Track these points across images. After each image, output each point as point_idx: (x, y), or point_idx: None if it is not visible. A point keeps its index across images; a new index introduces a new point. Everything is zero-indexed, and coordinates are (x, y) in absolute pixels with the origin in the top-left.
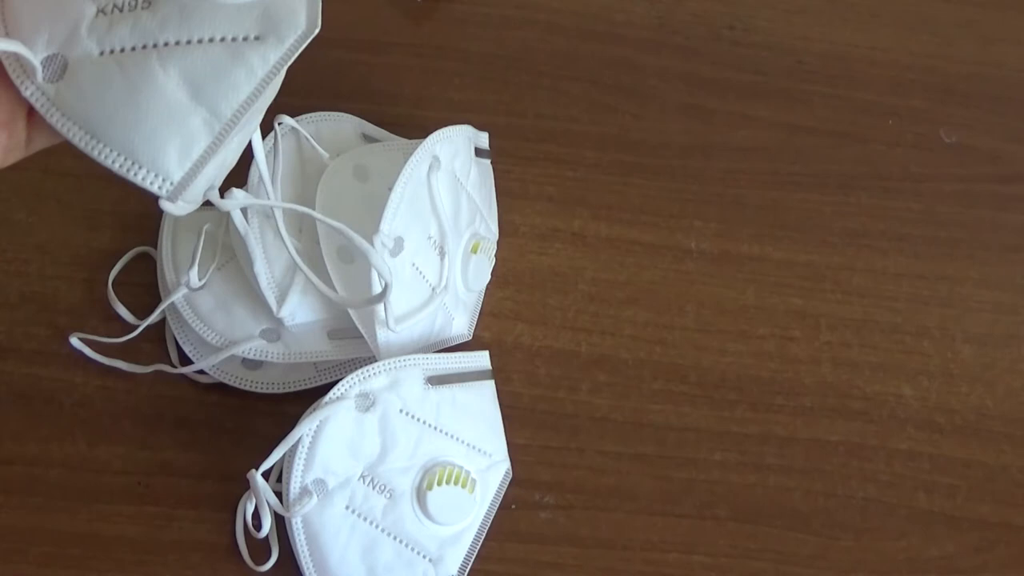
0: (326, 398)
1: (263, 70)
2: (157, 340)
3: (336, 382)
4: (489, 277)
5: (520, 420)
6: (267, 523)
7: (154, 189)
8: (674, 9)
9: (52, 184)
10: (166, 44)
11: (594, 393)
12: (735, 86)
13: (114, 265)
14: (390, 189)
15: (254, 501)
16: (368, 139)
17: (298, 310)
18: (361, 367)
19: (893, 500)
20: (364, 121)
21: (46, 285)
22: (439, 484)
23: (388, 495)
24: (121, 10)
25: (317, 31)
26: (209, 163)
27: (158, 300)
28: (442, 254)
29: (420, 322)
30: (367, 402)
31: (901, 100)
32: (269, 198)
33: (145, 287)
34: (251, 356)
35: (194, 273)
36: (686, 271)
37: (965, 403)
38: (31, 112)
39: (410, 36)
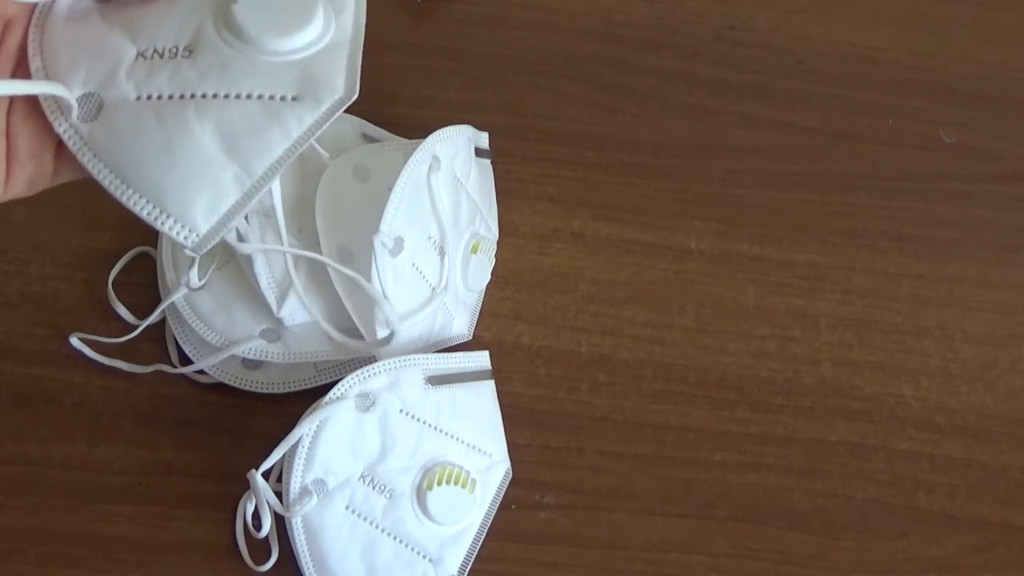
0: (326, 398)
1: (298, 131)
2: (157, 340)
3: (336, 382)
4: (489, 277)
5: (520, 420)
6: (267, 523)
7: (180, 239)
8: (674, 9)
9: None
10: (204, 96)
11: (594, 393)
12: (735, 86)
13: (114, 265)
14: (390, 189)
15: (254, 501)
16: (368, 139)
17: (298, 310)
18: (361, 367)
19: (893, 500)
20: (364, 121)
21: (46, 285)
22: (439, 484)
23: (388, 495)
24: (162, 56)
25: (355, 97)
26: (236, 216)
27: (158, 300)
28: (442, 254)
29: (420, 322)
30: (367, 402)
31: (901, 100)
32: (281, 233)
33: (145, 287)
34: (251, 356)
35: (194, 273)
36: (686, 271)
37: (965, 403)
38: (59, 145)
39: (410, 36)
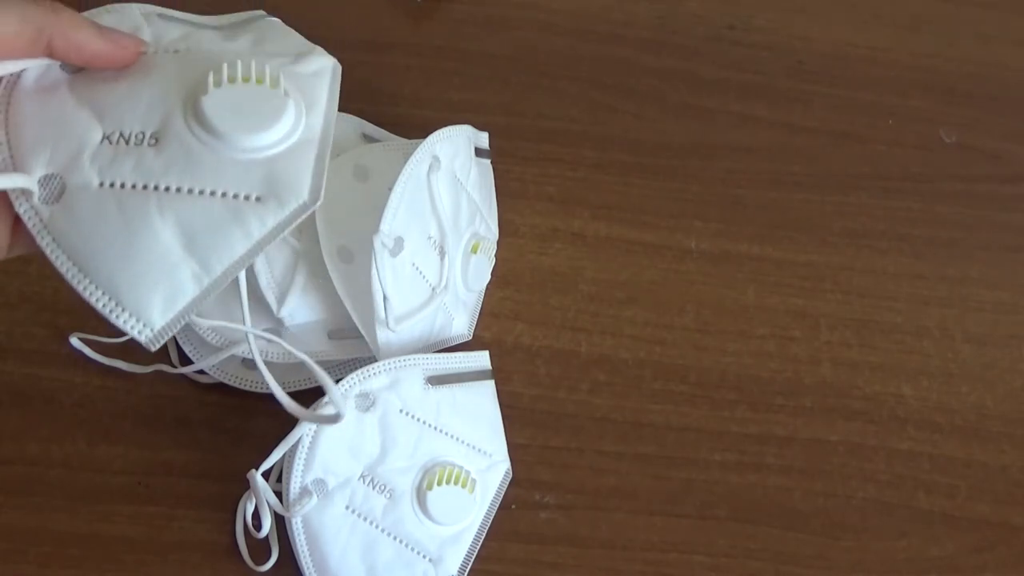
0: (326, 398)
1: (259, 233)
2: None
3: (336, 382)
4: (489, 277)
5: (520, 420)
6: (267, 523)
7: (133, 334)
8: (674, 9)
9: None
10: (167, 189)
11: (594, 393)
12: (735, 86)
13: None
14: (390, 189)
15: (254, 501)
16: (368, 139)
17: (298, 310)
18: (361, 367)
19: (893, 500)
20: (364, 121)
21: (46, 285)
22: (439, 484)
23: (388, 495)
24: (128, 142)
25: (319, 203)
26: (192, 312)
27: None
28: (442, 254)
29: (420, 322)
30: (367, 402)
31: (901, 100)
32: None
33: None
34: (251, 356)
35: None
36: (686, 271)
37: (965, 403)
38: (16, 220)
39: (410, 36)
